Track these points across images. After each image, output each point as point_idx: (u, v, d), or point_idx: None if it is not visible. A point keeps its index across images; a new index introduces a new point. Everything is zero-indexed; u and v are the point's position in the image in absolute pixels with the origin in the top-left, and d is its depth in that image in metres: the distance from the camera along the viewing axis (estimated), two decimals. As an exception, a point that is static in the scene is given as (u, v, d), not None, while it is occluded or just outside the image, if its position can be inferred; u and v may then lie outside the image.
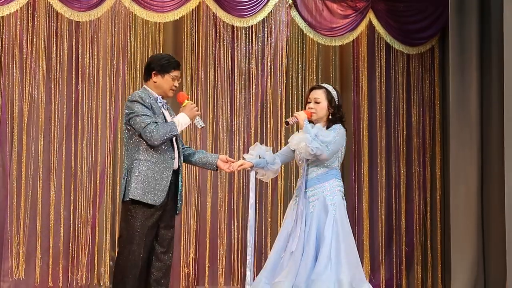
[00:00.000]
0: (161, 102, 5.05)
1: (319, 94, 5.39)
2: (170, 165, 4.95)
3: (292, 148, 5.41)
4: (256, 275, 5.43)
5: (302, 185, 5.35)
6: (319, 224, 5.26)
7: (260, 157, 5.41)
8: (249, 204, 5.46)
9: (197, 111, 5.05)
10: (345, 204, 5.42)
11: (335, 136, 5.28)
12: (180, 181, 5.07)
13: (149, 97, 4.98)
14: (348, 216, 8.02)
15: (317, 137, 5.22)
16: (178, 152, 5.07)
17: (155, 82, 5.04)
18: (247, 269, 5.35)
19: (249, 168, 5.40)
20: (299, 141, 5.30)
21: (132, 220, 4.90)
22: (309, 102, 5.41)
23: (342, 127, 5.37)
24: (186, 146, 5.40)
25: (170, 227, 5.06)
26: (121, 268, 4.91)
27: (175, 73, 5.05)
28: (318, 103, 5.38)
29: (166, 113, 5.07)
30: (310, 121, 5.40)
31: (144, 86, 5.10)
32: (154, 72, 5.04)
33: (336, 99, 5.42)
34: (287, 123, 5.36)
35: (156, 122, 4.89)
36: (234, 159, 5.57)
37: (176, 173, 5.05)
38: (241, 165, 5.34)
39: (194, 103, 5.20)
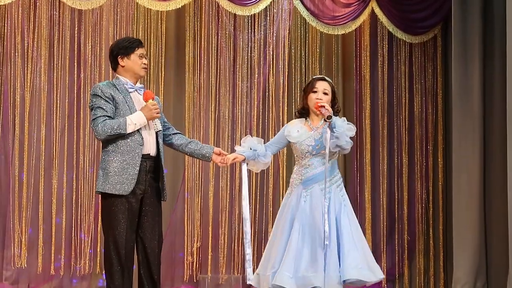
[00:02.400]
0: (132, 88, 5.00)
1: (327, 86, 5.39)
2: (138, 153, 4.87)
3: (294, 141, 5.37)
4: (257, 267, 5.45)
5: (325, 177, 5.23)
6: (336, 216, 5.27)
7: (251, 149, 5.40)
8: (243, 195, 5.44)
9: (158, 113, 4.92)
10: None
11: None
12: (162, 167, 5.02)
13: (114, 86, 4.93)
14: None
15: (345, 132, 5.24)
16: (157, 139, 5.00)
17: (123, 66, 4.99)
18: (246, 263, 5.36)
19: (241, 162, 5.41)
20: (297, 129, 5.36)
21: (107, 211, 4.90)
22: (315, 92, 5.37)
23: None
24: (178, 132, 5.31)
25: (153, 215, 5.00)
26: (106, 258, 4.91)
27: (140, 51, 4.99)
28: (326, 94, 5.37)
29: (140, 98, 4.98)
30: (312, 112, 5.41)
31: (116, 75, 5.06)
32: (119, 56, 4.99)
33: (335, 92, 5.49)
34: (330, 117, 5.12)
35: (108, 116, 4.85)
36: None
37: (155, 160, 5.00)
38: (234, 159, 5.35)
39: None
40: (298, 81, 7.92)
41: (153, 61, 7.55)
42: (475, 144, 7.58)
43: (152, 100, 4.93)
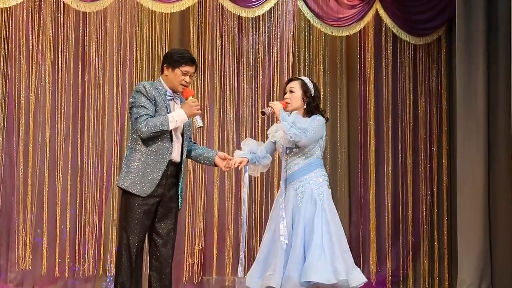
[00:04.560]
0: (170, 96, 4.98)
1: (294, 85, 5.51)
2: (165, 158, 4.88)
3: (272, 140, 5.51)
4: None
5: (283, 177, 5.43)
6: (307, 215, 5.32)
7: (251, 152, 5.45)
8: (243, 200, 5.51)
9: (198, 110, 4.92)
10: (331, 192, 5.48)
11: (312, 124, 5.37)
12: (181, 176, 5.03)
13: (157, 89, 4.94)
14: (349, 206, 8.05)
15: (294, 124, 5.30)
16: (182, 147, 5.02)
17: (166, 75, 4.99)
18: (239, 264, 5.41)
19: (245, 165, 5.44)
20: (276, 129, 5.46)
21: (124, 207, 4.91)
22: (285, 93, 5.53)
23: (320, 116, 5.44)
24: (192, 142, 5.31)
25: (168, 220, 4.99)
26: (118, 254, 4.93)
27: (186, 68, 4.95)
28: (293, 92, 5.48)
29: (177, 107, 5.00)
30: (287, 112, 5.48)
31: (160, 77, 5.07)
32: (165, 65, 5.00)
33: (312, 90, 5.51)
34: (263, 113, 5.45)
35: (150, 115, 4.85)
36: (234, 153, 5.55)
37: (177, 167, 5.01)
38: (240, 163, 5.36)
39: (198, 100, 5.14)
40: (303, 83, 7.92)
41: (157, 63, 7.56)
42: (479, 145, 7.57)
43: (193, 97, 4.95)
